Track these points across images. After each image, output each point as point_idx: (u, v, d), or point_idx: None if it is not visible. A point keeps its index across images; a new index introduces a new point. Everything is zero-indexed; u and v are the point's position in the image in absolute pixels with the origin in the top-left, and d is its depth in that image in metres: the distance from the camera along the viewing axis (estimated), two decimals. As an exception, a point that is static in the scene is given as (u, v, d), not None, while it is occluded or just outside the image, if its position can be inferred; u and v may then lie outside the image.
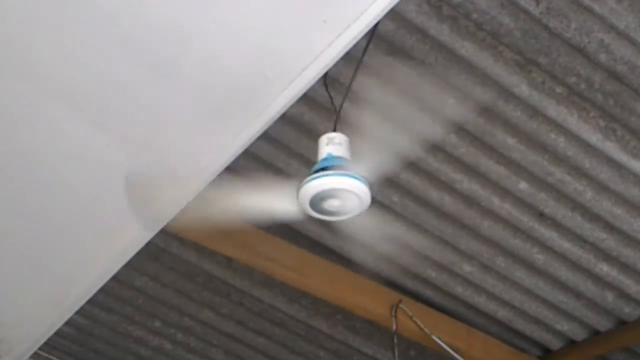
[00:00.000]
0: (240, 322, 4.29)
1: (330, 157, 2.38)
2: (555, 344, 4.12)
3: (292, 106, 2.19)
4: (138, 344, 4.57)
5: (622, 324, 3.92)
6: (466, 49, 2.85)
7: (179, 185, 2.39)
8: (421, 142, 3.19)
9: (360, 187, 2.30)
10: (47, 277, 2.80)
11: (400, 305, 3.82)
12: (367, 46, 2.60)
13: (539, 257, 3.63)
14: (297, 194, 2.33)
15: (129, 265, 2.73)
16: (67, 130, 2.29)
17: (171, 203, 2.46)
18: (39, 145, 2.36)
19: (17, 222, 2.62)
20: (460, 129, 3.13)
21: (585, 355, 4.08)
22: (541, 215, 3.45)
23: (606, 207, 3.34)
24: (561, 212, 3.41)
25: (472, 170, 3.28)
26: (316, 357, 4.41)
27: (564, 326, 3.99)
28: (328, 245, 3.76)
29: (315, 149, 2.46)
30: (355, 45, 2.05)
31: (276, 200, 2.39)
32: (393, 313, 3.81)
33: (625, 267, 3.61)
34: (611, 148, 3.10)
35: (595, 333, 4.00)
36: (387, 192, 3.41)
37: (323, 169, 2.33)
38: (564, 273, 3.69)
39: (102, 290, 2.84)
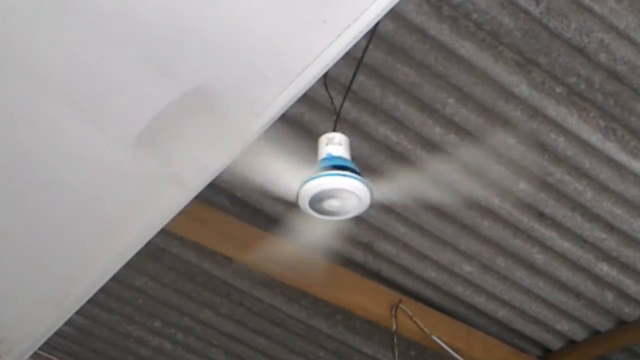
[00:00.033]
0: (240, 322, 4.29)
1: (330, 157, 2.38)
2: (555, 344, 4.12)
3: (292, 106, 2.19)
4: (138, 344, 4.57)
5: (622, 324, 3.92)
6: (466, 49, 2.85)
7: (179, 185, 2.39)
8: (421, 142, 3.20)
9: (360, 187, 2.30)
10: (47, 277, 2.80)
11: (400, 305, 3.82)
12: (367, 46, 2.60)
13: (539, 257, 3.63)
14: (297, 194, 2.32)
15: (129, 265, 2.73)
16: (67, 130, 2.29)
17: (171, 203, 2.46)
18: (39, 145, 2.36)
19: (17, 222, 2.62)
20: (460, 129, 3.13)
21: (585, 355, 4.08)
22: (541, 215, 3.45)
23: (606, 207, 3.34)
24: (561, 212, 3.41)
25: (472, 170, 3.28)
26: (316, 357, 4.41)
27: (564, 326, 3.99)
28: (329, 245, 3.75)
29: (315, 149, 2.46)
30: (355, 45, 2.05)
31: (284, 174, 2.35)
32: (393, 313, 3.81)
33: (625, 267, 3.61)
34: (611, 148, 3.10)
35: (595, 333, 4.00)
36: (398, 200, 3.40)
37: (323, 169, 2.33)
38: (564, 273, 3.69)
39: (102, 290, 2.84)
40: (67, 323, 3.00)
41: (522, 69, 2.90)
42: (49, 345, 4.19)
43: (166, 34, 2.04)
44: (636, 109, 2.97)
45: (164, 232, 2.71)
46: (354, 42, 2.01)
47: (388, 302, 3.84)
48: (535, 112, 3.03)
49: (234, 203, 3.65)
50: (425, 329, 3.83)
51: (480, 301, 3.90)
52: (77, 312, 2.94)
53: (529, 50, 2.83)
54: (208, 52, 2.07)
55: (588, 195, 3.31)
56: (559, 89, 2.95)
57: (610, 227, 3.45)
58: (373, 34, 2.54)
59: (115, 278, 2.81)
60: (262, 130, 2.24)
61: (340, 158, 2.37)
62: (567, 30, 2.74)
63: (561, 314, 3.92)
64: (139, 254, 2.68)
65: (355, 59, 2.63)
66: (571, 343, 4.09)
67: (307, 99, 3.00)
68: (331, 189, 2.29)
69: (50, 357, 4.67)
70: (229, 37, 2.03)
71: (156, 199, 2.47)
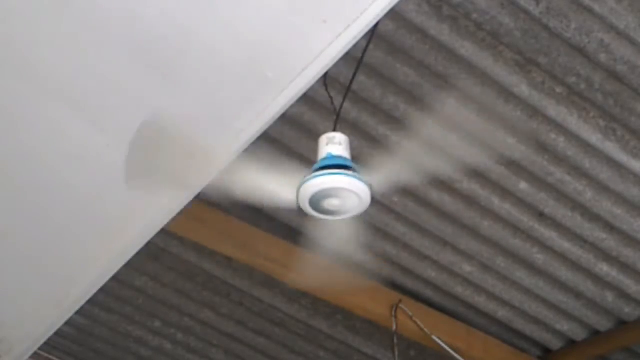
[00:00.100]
0: (240, 322, 4.29)
1: (330, 157, 2.38)
2: (555, 344, 4.12)
3: (292, 106, 2.19)
4: (138, 344, 4.57)
5: (622, 324, 3.92)
6: (466, 49, 2.85)
7: (179, 185, 2.39)
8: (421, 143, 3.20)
9: (360, 186, 2.29)
10: (47, 277, 2.80)
11: (400, 305, 3.82)
12: (367, 46, 2.60)
13: (539, 257, 3.63)
14: (297, 193, 2.32)
15: (129, 265, 2.73)
16: (67, 130, 2.29)
17: (172, 202, 2.46)
18: (39, 145, 2.36)
19: (17, 222, 2.62)
20: (460, 129, 3.13)
21: (585, 355, 4.08)
22: (541, 215, 3.45)
23: (606, 207, 3.34)
24: (561, 212, 3.41)
25: (472, 170, 3.28)
26: (316, 357, 4.41)
27: (564, 326, 3.99)
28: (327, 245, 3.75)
29: (315, 149, 2.46)
30: (355, 45, 2.05)
31: (278, 185, 2.36)
32: (393, 313, 3.81)
33: (625, 267, 3.61)
34: (611, 148, 3.10)
35: (595, 333, 4.00)
36: (387, 192, 3.40)
37: (323, 168, 2.33)
38: (564, 273, 3.69)
39: (102, 290, 2.84)
40: (67, 323, 3.00)
41: (522, 69, 2.90)
42: (49, 345, 4.18)
43: (166, 34, 2.04)
44: (636, 109, 2.97)
45: (164, 232, 2.71)
46: (354, 42, 2.01)
47: (388, 302, 3.84)
48: (535, 112, 3.03)
49: (234, 203, 3.65)
50: (425, 329, 3.83)
51: (480, 301, 3.90)
52: (77, 312, 2.94)
53: (529, 50, 2.83)
54: (208, 52, 2.07)
55: (588, 195, 3.31)
56: (559, 89, 2.95)
57: (610, 227, 3.45)
58: (373, 34, 2.54)
59: (115, 278, 2.81)
60: (262, 130, 2.24)
61: (340, 157, 2.37)
62: (567, 30, 2.74)
63: (561, 314, 3.92)
64: (139, 254, 2.68)
65: (355, 59, 2.63)
66: (571, 343, 4.09)
67: (307, 99, 3.00)
68: (331, 188, 2.29)
69: (50, 357, 4.67)
70: (228, 37, 2.03)
71: (156, 199, 2.47)
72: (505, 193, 3.37)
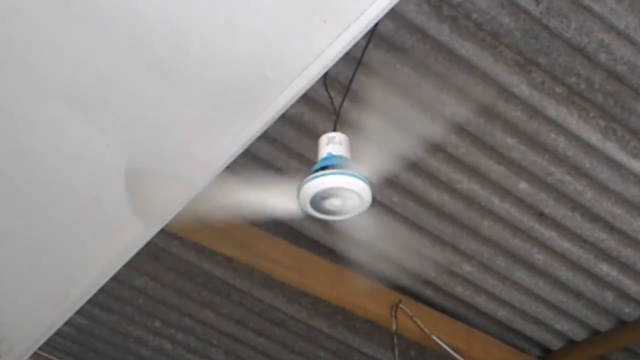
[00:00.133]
0: (240, 322, 4.29)
1: (330, 157, 2.38)
2: (555, 344, 4.12)
3: (292, 106, 2.19)
4: (138, 344, 4.57)
5: (622, 324, 3.92)
6: (466, 49, 2.85)
7: (179, 185, 2.39)
8: (421, 142, 3.20)
9: (361, 186, 2.30)
10: (47, 277, 2.80)
11: (400, 305, 3.82)
12: (367, 46, 2.60)
13: (539, 257, 3.63)
14: (298, 194, 2.33)
15: (129, 265, 2.73)
16: (67, 130, 2.29)
17: (171, 203, 2.46)
18: (39, 145, 2.36)
19: (17, 222, 2.62)
20: (460, 129, 3.13)
21: (585, 355, 4.08)
22: (541, 215, 3.45)
23: (606, 207, 3.34)
24: (561, 212, 3.41)
25: (472, 170, 3.28)
26: (316, 357, 4.41)
27: (564, 326, 3.99)
28: (328, 245, 3.76)
29: (315, 149, 2.46)
30: (355, 45, 2.05)
31: (276, 198, 2.39)
32: (393, 313, 3.81)
33: (625, 267, 3.61)
34: (611, 148, 3.10)
35: (595, 333, 4.00)
36: (387, 192, 3.41)
37: (323, 168, 2.33)
38: (564, 273, 3.69)
39: (102, 290, 2.84)
40: (67, 323, 3.00)
41: (522, 69, 2.90)
42: (49, 345, 4.19)
43: (166, 35, 2.04)
44: (636, 109, 2.97)
45: (164, 232, 2.71)
46: (354, 42, 2.00)
47: (388, 302, 3.84)
48: (535, 112, 3.03)
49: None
50: (425, 329, 3.83)
51: (480, 301, 3.90)
52: (77, 312, 2.93)
53: (529, 50, 2.83)
54: (208, 52, 2.07)
55: (588, 195, 3.31)
56: (559, 89, 2.95)
57: (610, 227, 3.45)
58: (373, 34, 2.54)
59: (115, 278, 2.81)
60: (262, 130, 2.24)
61: (340, 157, 2.37)
62: (567, 30, 2.74)
63: (561, 314, 3.92)
64: (139, 254, 2.68)
65: (355, 59, 2.63)
66: (571, 343, 4.09)
67: (307, 99, 3.00)
68: (332, 187, 2.29)
69: (50, 357, 4.67)
70: (228, 38, 2.03)
71: (156, 199, 2.47)
72: (505, 193, 3.37)
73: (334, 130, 2.51)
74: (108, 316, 4.39)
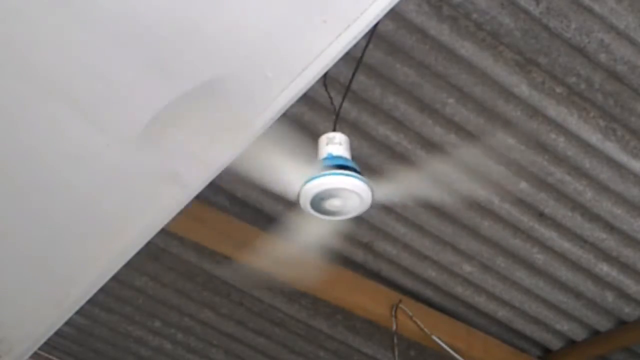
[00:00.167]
0: (240, 322, 4.29)
1: (330, 157, 2.38)
2: (555, 344, 4.12)
3: (292, 106, 2.19)
4: (138, 344, 4.57)
5: (622, 324, 3.92)
6: (466, 49, 2.85)
7: (179, 185, 2.39)
8: (421, 142, 3.20)
9: (361, 186, 2.30)
10: (47, 277, 2.80)
11: (400, 305, 3.82)
12: (367, 46, 2.60)
13: (539, 257, 3.63)
14: (298, 194, 2.32)
15: (129, 265, 2.73)
16: (67, 130, 2.29)
17: (171, 203, 2.46)
18: (39, 145, 2.36)
19: (17, 222, 2.62)
20: (460, 129, 3.13)
21: (585, 355, 4.08)
22: (541, 215, 3.45)
23: (606, 207, 3.34)
24: (561, 212, 3.41)
25: (472, 170, 3.28)
26: (316, 357, 4.41)
27: (564, 326, 3.99)
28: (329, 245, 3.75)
29: (315, 149, 2.46)
30: (355, 45, 2.05)
31: (286, 172, 2.35)
32: (393, 313, 3.81)
33: (625, 267, 3.61)
34: (611, 148, 3.10)
35: (595, 333, 4.00)
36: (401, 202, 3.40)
37: (323, 169, 2.32)
38: (564, 273, 3.69)
39: (102, 290, 2.84)
40: (67, 323, 3.00)
41: (522, 69, 2.90)
42: (49, 345, 4.18)
43: (166, 34, 2.04)
44: (636, 109, 2.97)
45: (164, 232, 2.71)
46: (354, 42, 2.00)
47: (388, 302, 3.84)
48: (535, 112, 3.03)
49: (234, 203, 3.65)
50: (425, 329, 3.83)
51: (480, 301, 3.90)
52: (77, 312, 2.93)
53: (529, 50, 2.83)
54: (208, 52, 2.07)
55: (588, 195, 3.31)
56: (559, 89, 2.95)
57: (610, 227, 3.45)
58: (373, 34, 2.54)
59: (115, 278, 2.81)
60: (262, 130, 2.23)
61: (340, 157, 2.37)
62: (567, 30, 2.74)
63: (561, 314, 3.92)
64: (139, 254, 2.68)
65: (355, 59, 2.63)
66: (571, 343, 4.10)
67: (307, 99, 3.00)
68: (332, 188, 2.29)
69: (50, 357, 4.67)
70: (228, 37, 2.03)
71: (156, 199, 2.47)
72: (505, 193, 3.37)
73: (334, 130, 2.51)
74: (108, 316, 4.39)
